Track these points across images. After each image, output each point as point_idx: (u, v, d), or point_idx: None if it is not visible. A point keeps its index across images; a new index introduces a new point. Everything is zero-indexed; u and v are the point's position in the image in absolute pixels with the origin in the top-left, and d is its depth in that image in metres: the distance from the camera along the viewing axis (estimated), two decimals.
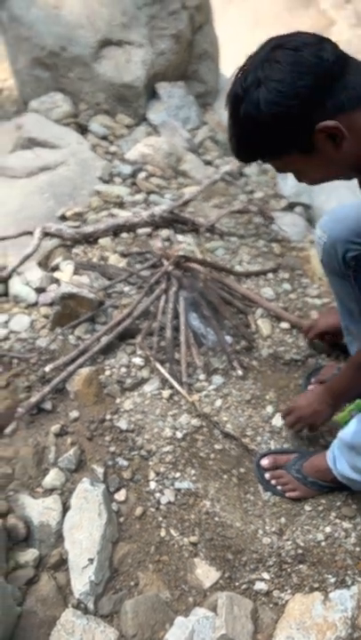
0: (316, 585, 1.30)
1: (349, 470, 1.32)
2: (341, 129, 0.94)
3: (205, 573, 1.31)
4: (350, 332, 1.57)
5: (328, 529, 1.40)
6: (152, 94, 3.38)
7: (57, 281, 1.87)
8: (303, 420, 1.46)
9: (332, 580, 1.31)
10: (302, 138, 0.96)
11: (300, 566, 1.33)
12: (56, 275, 1.90)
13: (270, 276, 2.12)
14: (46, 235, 2.03)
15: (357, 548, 1.37)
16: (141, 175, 2.64)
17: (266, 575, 1.32)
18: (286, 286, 2.08)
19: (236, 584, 1.30)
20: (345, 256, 1.40)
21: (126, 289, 1.85)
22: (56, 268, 1.94)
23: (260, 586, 1.29)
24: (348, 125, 0.95)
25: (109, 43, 3.16)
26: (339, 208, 1.46)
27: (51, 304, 1.77)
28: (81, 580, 1.24)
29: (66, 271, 1.86)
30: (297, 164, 1.03)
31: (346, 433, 1.32)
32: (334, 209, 1.45)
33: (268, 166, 3.11)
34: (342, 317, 1.59)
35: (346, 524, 1.41)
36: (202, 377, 1.68)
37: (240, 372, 1.68)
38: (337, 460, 1.35)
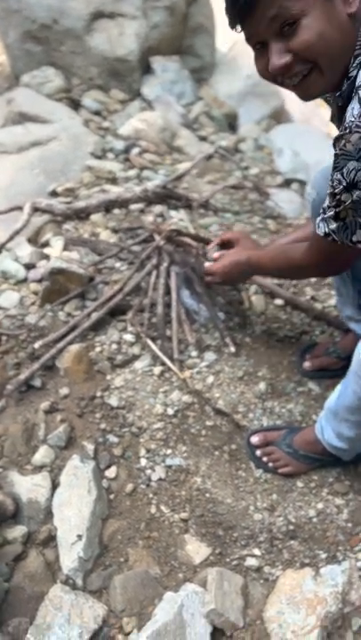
0: (307, 560, 1.29)
1: (335, 439, 1.32)
2: None
3: (196, 549, 1.30)
4: (341, 292, 1.55)
5: (320, 505, 1.39)
6: (146, 69, 3.31)
7: (47, 257, 1.84)
8: (215, 280, 1.62)
9: (324, 555, 1.30)
10: None
11: (292, 542, 1.32)
12: (46, 251, 1.86)
13: None
14: (36, 210, 1.99)
15: (349, 524, 1.36)
16: (135, 151, 2.59)
17: (257, 551, 1.31)
18: None
19: (227, 560, 1.29)
20: None
21: (117, 264, 1.81)
22: (46, 244, 1.90)
23: (250, 562, 1.29)
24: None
25: (102, 15, 3.09)
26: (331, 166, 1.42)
27: (40, 280, 1.74)
28: (70, 557, 1.23)
29: (56, 247, 1.83)
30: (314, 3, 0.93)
31: (330, 400, 1.33)
32: (327, 166, 1.41)
33: (263, 142, 3.06)
34: (334, 278, 1.56)
35: (338, 501, 1.40)
36: (194, 354, 1.65)
37: (233, 349, 1.65)
38: (324, 429, 1.35)
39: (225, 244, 1.66)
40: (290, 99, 3.90)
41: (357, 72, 0.96)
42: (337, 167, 0.98)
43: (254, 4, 0.93)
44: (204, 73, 3.62)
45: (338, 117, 1.08)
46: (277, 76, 1.02)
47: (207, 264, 1.64)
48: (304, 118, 3.92)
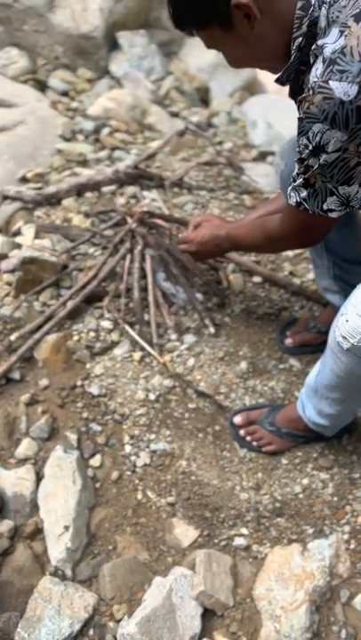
0: (294, 537, 1.30)
1: (317, 416, 1.32)
2: (252, 8, 0.93)
3: (184, 533, 1.31)
4: (316, 264, 1.54)
5: (305, 481, 1.39)
6: (113, 45, 3.21)
7: (19, 246, 1.80)
8: (195, 255, 1.58)
9: (311, 530, 1.31)
10: (221, 11, 0.96)
11: (279, 519, 1.33)
12: (18, 239, 1.82)
13: None
14: (6, 198, 1.94)
15: (335, 498, 1.37)
16: (105, 131, 2.53)
17: (244, 530, 1.31)
18: None
19: (215, 541, 1.30)
20: None
21: (91, 250, 1.78)
22: (18, 233, 1.86)
23: (239, 541, 1.29)
24: (263, 7, 0.94)
25: None
26: None
27: (13, 270, 1.71)
28: (57, 548, 1.23)
29: (27, 235, 1.79)
30: (218, 40, 1.03)
31: (310, 377, 1.32)
32: (295, 136, 1.38)
33: (237, 115, 3.01)
34: (309, 250, 1.55)
35: (323, 475, 1.41)
36: (173, 337, 1.64)
37: (212, 330, 1.64)
38: (305, 407, 1.35)
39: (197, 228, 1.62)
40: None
41: (302, 43, 0.96)
42: (302, 131, 0.96)
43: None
44: (174, 46, 3.53)
45: (292, 90, 1.07)
46: None
47: (184, 233, 1.60)
48: (278, 88, 3.84)
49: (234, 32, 0.99)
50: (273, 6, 0.94)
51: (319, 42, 0.91)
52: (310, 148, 0.95)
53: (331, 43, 0.88)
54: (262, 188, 2.37)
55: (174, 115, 2.89)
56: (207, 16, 0.98)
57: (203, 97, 3.24)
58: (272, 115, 2.97)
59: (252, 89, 3.51)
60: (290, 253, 1.96)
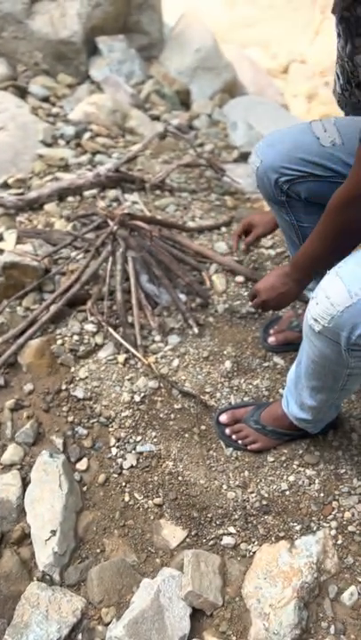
0: (281, 534, 1.30)
1: (299, 410, 1.32)
2: None
3: (172, 533, 1.30)
4: None
5: (292, 478, 1.40)
6: (93, 50, 3.23)
7: (1, 251, 1.79)
8: (267, 304, 1.38)
9: (298, 527, 1.31)
10: None
11: (266, 517, 1.33)
12: (0, 245, 1.82)
13: (224, 229, 2.07)
14: None
15: (321, 494, 1.37)
16: (86, 135, 2.54)
17: (232, 529, 1.31)
18: None
19: (203, 541, 1.29)
20: (278, 181, 1.33)
21: (73, 254, 1.78)
22: (0, 238, 1.86)
23: (227, 540, 1.29)
24: None
25: None
26: (275, 132, 1.36)
27: None
28: (44, 553, 1.22)
29: (9, 240, 1.78)
30: None
31: (291, 371, 1.32)
32: (271, 133, 1.37)
33: (217, 117, 3.02)
34: (288, 248, 1.54)
35: (309, 472, 1.41)
36: (157, 338, 1.64)
37: (196, 330, 1.64)
38: (289, 402, 1.35)
39: (246, 232, 1.64)
40: (242, 70, 3.85)
41: None
42: None
43: None
44: (153, 50, 3.55)
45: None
46: None
47: (253, 287, 1.44)
48: (257, 89, 3.87)
49: None
50: None
51: None
52: None
53: None
54: (243, 189, 2.38)
55: (155, 118, 2.90)
56: None
57: (183, 100, 3.26)
58: (252, 116, 2.99)
59: (232, 91, 3.53)
60: (272, 252, 1.98)
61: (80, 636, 1.13)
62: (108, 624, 1.14)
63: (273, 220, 1.57)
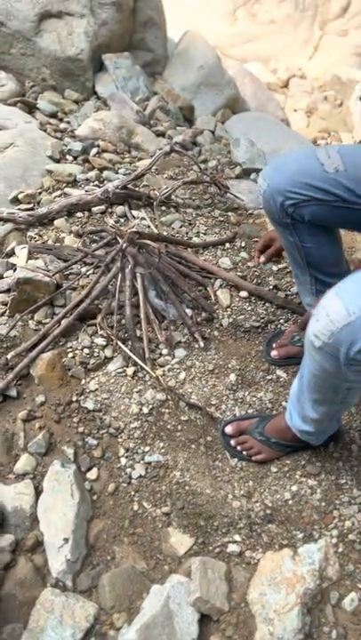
0: (285, 542, 1.35)
1: (301, 422, 1.37)
2: None
3: (179, 541, 1.35)
4: (300, 281, 1.61)
5: (294, 488, 1.45)
6: (99, 67, 3.31)
7: (13, 267, 1.85)
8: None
9: (300, 535, 1.36)
10: None
11: (270, 525, 1.38)
12: (12, 260, 1.88)
13: (227, 245, 2.14)
14: None
15: (323, 504, 1.42)
16: (93, 151, 2.60)
17: (237, 537, 1.36)
18: (244, 254, 2.09)
19: (210, 548, 1.35)
20: (283, 204, 1.41)
21: (83, 270, 1.84)
22: (11, 254, 1.92)
23: (232, 548, 1.34)
24: None
25: (49, 15, 3.07)
26: (281, 157, 1.45)
27: (8, 290, 1.76)
28: (58, 560, 1.27)
29: (21, 256, 1.84)
30: None
31: (293, 384, 1.38)
32: (277, 158, 1.45)
33: (220, 133, 3.09)
34: (291, 267, 1.61)
35: (311, 482, 1.46)
36: (165, 351, 1.70)
37: (202, 344, 1.70)
38: (292, 415, 1.40)
39: (266, 246, 1.81)
40: (243, 85, 3.94)
41: None
42: None
43: None
44: (158, 66, 3.63)
45: None
46: None
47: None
48: (258, 104, 3.96)
49: None
50: None
51: None
52: None
53: None
54: (246, 205, 2.45)
55: (160, 134, 2.97)
56: None
57: (187, 116, 3.33)
58: (253, 132, 3.06)
59: (234, 106, 3.61)
60: (274, 267, 2.04)
61: None
62: (119, 629, 1.19)
63: None
